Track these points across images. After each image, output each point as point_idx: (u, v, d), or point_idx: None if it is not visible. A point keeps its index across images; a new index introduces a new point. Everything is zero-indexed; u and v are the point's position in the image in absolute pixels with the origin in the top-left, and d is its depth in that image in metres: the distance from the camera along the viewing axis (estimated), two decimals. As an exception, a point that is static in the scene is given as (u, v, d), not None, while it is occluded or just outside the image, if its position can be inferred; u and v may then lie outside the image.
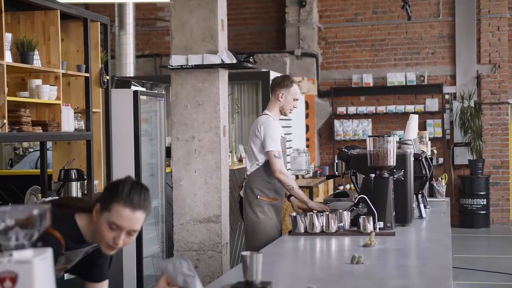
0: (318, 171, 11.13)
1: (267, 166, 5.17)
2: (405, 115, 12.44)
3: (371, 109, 12.74)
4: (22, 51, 4.73)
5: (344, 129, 12.87)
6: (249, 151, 5.28)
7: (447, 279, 2.86)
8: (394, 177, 4.44)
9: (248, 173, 5.27)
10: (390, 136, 4.39)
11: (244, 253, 2.73)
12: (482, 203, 12.17)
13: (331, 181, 11.37)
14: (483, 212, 12.20)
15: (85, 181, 5.49)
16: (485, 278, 8.29)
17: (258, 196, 5.17)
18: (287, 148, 8.89)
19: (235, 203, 7.07)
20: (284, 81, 5.28)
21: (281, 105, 5.25)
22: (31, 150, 8.45)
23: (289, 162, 9.72)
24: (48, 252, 1.78)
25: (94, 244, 2.74)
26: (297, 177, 10.10)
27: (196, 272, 2.54)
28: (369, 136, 4.44)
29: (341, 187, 12.22)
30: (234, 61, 5.94)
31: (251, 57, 6.24)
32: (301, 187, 9.01)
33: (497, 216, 12.51)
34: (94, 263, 2.84)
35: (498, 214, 12.52)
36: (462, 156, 12.52)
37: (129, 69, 10.37)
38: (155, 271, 6.68)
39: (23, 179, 6.29)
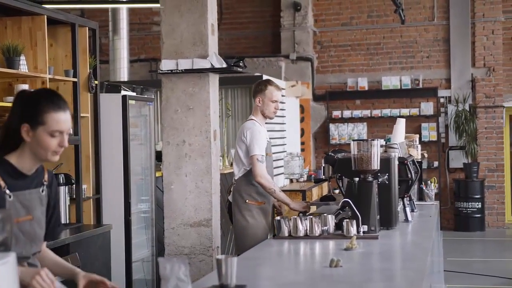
0: (313, 175, 11.14)
1: None
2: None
3: (366, 113, 12.76)
4: (8, 56, 4.75)
5: (340, 133, 12.89)
6: (236, 156, 5.39)
7: (420, 282, 2.88)
8: (378, 181, 4.45)
9: (235, 178, 5.39)
10: (374, 140, 4.40)
11: (218, 257, 2.75)
12: (477, 207, 12.18)
13: (325, 185, 11.38)
14: (478, 215, 12.21)
15: (73, 185, 5.50)
16: (479, 282, 8.29)
17: (247, 200, 5.28)
18: (275, 152, 8.95)
19: (225, 207, 7.08)
20: (259, 86, 5.45)
21: (261, 110, 5.38)
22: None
23: (281, 166, 9.75)
24: (11, 257, 1.79)
25: (41, 180, 2.79)
26: (291, 181, 10.12)
27: (190, 279, 2.56)
28: (353, 140, 4.46)
29: (337, 191, 12.22)
30: (224, 65, 5.96)
31: (241, 61, 6.26)
32: (294, 191, 9.10)
33: (492, 220, 12.52)
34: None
35: (493, 217, 12.53)
36: (457, 160, 12.53)
37: (123, 74, 10.40)
38: (144, 275, 6.69)
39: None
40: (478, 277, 8.52)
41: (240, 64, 6.25)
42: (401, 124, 5.56)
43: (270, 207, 5.41)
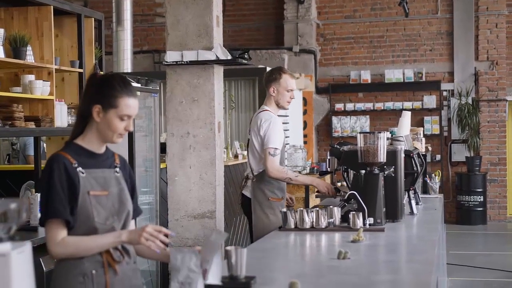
0: (316, 168, 11.14)
1: None
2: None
3: (369, 105, 12.76)
4: (15, 47, 4.74)
5: (342, 126, 12.89)
6: (253, 150, 5.15)
7: (429, 274, 2.88)
8: (384, 174, 4.45)
9: (255, 173, 5.14)
10: (380, 132, 4.40)
11: (228, 248, 2.75)
12: (479, 200, 12.20)
13: (328, 177, 11.39)
14: (480, 209, 12.23)
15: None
16: (481, 275, 8.31)
17: (270, 198, 5.08)
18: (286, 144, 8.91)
19: (230, 199, 7.08)
20: (273, 74, 5.21)
21: (275, 100, 5.16)
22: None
23: (286, 158, 9.75)
24: (27, 246, 1.80)
25: (113, 162, 2.91)
26: (293, 173, 10.11)
27: (201, 270, 2.57)
28: (359, 133, 4.45)
29: (339, 184, 12.23)
30: (229, 57, 5.95)
31: (246, 54, 6.24)
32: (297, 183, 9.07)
33: (494, 213, 12.53)
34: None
35: (495, 211, 12.55)
36: (460, 153, 12.54)
37: (127, 65, 10.37)
38: (148, 266, 6.71)
39: (19, 174, 6.32)
40: (480, 270, 8.54)
41: (245, 56, 6.24)
42: (406, 117, 5.56)
43: (285, 202, 5.32)
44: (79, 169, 2.78)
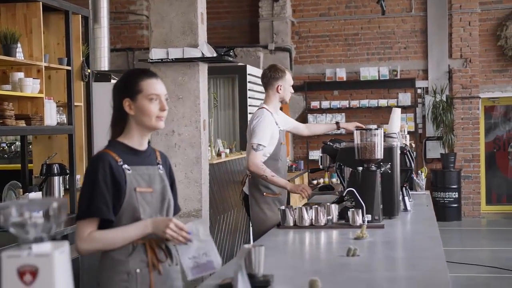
0: (293, 166, 11.18)
1: (270, 162, 5.09)
2: (378, 109, 12.55)
3: (345, 103, 12.80)
4: (5, 44, 4.65)
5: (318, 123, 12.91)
6: (249, 148, 5.17)
7: (445, 270, 2.89)
8: (381, 170, 4.45)
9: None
10: (377, 129, 4.40)
11: (246, 246, 2.73)
12: (454, 197, 12.32)
13: (306, 175, 11.44)
14: (455, 205, 12.35)
15: (67, 175, 5.42)
16: (457, 270, 8.38)
17: (264, 193, 5.12)
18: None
19: (214, 198, 7.04)
20: (278, 73, 5.25)
21: (281, 96, 5.25)
22: (4, 144, 8.32)
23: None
24: (66, 246, 1.76)
25: (155, 159, 2.90)
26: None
27: (211, 238, 2.56)
28: (356, 129, 4.45)
29: (315, 182, 12.28)
30: (215, 54, 5.93)
31: (232, 51, 6.22)
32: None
33: (468, 209, 12.67)
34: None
35: (469, 207, 12.68)
36: (434, 150, 12.65)
37: (104, 63, 10.25)
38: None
39: (3, 173, 6.20)
40: (455, 265, 8.61)
41: (231, 53, 6.22)
42: (396, 113, 5.58)
43: (286, 197, 5.32)
44: (125, 166, 2.80)
